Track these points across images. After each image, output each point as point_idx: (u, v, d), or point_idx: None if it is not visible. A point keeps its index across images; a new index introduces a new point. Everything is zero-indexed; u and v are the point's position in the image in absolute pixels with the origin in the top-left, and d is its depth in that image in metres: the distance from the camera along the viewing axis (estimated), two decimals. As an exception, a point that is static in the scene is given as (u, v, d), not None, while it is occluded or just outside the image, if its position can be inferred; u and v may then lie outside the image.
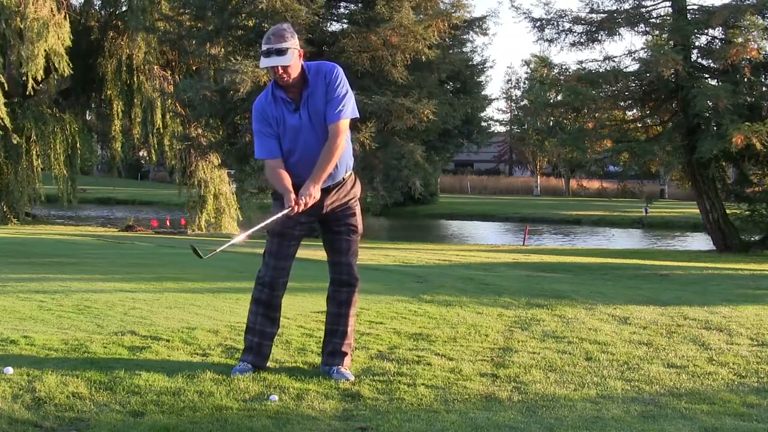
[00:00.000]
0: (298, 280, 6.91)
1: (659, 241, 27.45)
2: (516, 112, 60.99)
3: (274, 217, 3.95)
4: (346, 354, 4.18)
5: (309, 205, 3.95)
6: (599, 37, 18.71)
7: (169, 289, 7.03)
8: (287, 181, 4.00)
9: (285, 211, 3.92)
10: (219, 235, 21.06)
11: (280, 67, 3.89)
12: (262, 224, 3.97)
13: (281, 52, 3.86)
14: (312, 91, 4.00)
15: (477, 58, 29.38)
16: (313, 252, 9.55)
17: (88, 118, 24.91)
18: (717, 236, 18.06)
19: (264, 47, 3.90)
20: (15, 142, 20.30)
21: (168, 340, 4.69)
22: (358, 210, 4.24)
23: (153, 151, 23.63)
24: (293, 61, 3.90)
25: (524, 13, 19.43)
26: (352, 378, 4.02)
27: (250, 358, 4.13)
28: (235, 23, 18.60)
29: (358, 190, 4.26)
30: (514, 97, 64.36)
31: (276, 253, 4.13)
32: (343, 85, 4.02)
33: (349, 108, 4.04)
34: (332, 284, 4.23)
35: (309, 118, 4.01)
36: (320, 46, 18.01)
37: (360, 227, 4.24)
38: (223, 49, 19.33)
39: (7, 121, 18.98)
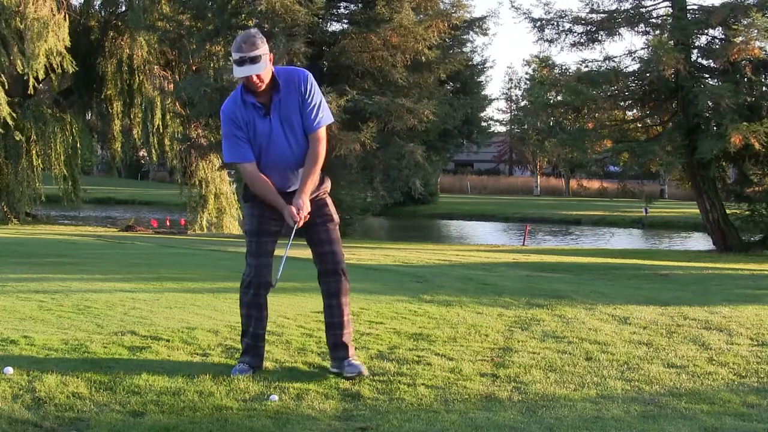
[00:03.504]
0: (298, 280, 6.91)
1: (659, 241, 27.44)
2: (516, 112, 61.02)
3: (291, 238, 4.06)
4: (347, 345, 4.17)
5: (305, 219, 4.06)
6: (599, 37, 18.71)
7: (169, 289, 7.03)
8: (274, 190, 4.06)
9: (294, 230, 4.05)
10: (220, 235, 21.05)
11: (254, 75, 3.91)
12: (288, 246, 4.07)
13: (255, 60, 3.88)
14: (283, 97, 4.02)
15: (477, 58, 29.50)
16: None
17: (88, 118, 24.86)
18: (717, 236, 18.05)
19: (236, 56, 3.89)
20: (17, 139, 20.25)
21: (168, 340, 4.69)
22: (329, 201, 4.28)
23: (153, 151, 23.60)
24: (266, 68, 3.93)
25: (524, 13, 19.43)
26: (365, 370, 4.03)
27: (248, 359, 4.16)
28: (235, 23, 18.58)
29: (326, 183, 4.29)
30: (514, 97, 64.49)
31: (256, 251, 4.16)
32: (317, 92, 4.07)
33: (326, 115, 4.11)
34: (320, 276, 4.24)
35: (280, 124, 4.03)
36: (320, 47, 18.01)
37: (335, 217, 4.27)
38: (223, 49, 19.32)
39: (8, 119, 18.95)
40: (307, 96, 4.02)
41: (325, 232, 4.19)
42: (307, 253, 4.30)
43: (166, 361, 4.24)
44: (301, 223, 4.04)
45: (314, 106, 4.04)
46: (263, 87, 3.97)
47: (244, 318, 4.22)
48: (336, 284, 4.20)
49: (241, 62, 3.88)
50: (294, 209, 3.99)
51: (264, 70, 3.91)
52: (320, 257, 4.21)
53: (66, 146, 21.87)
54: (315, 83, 4.08)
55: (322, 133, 4.10)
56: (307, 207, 4.03)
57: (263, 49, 3.91)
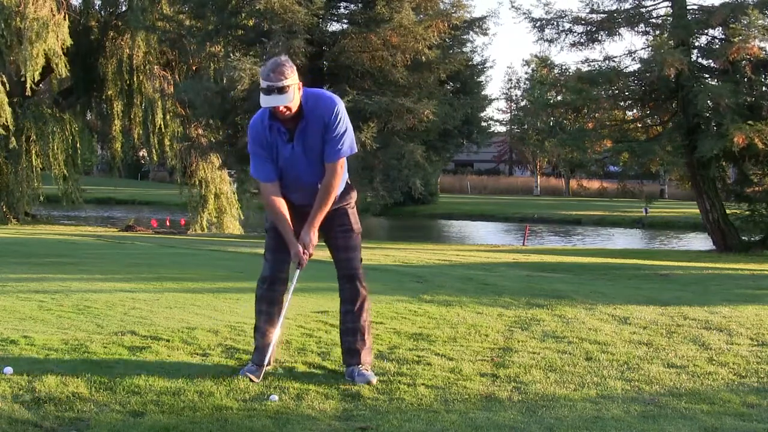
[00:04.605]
0: (299, 280, 6.90)
1: (659, 241, 27.44)
2: (516, 112, 61.01)
3: (296, 278, 4.12)
4: (359, 352, 4.13)
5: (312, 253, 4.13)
6: (599, 37, 18.70)
7: (169, 289, 7.03)
8: (288, 223, 4.04)
9: (298, 271, 4.10)
10: (221, 235, 21.05)
11: (281, 106, 3.87)
12: (292, 286, 4.14)
13: (282, 91, 3.82)
14: (307, 124, 3.97)
15: (477, 58, 29.25)
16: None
17: (88, 118, 24.85)
18: (717, 236, 18.05)
19: (264, 84, 3.84)
20: (11, 146, 20.24)
21: (168, 340, 4.69)
22: (351, 211, 4.26)
23: (153, 151, 23.60)
24: (294, 98, 3.87)
25: (524, 13, 19.41)
26: (374, 380, 3.99)
27: (256, 358, 4.14)
28: (235, 23, 18.59)
29: (352, 195, 4.28)
30: (514, 97, 64.48)
31: (274, 247, 4.17)
32: (342, 122, 3.99)
33: (347, 146, 4.04)
34: (338, 281, 4.25)
35: (302, 150, 4.01)
36: (320, 47, 18.00)
37: (355, 226, 4.25)
38: (223, 49, 19.32)
39: (10, 122, 18.96)
40: (331, 126, 3.96)
41: (342, 239, 4.20)
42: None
43: (166, 361, 4.24)
44: (305, 264, 4.08)
45: (336, 135, 3.97)
46: (291, 115, 3.92)
47: (256, 314, 4.22)
48: (350, 291, 4.21)
49: (268, 91, 3.83)
50: (300, 251, 4.01)
51: (291, 101, 3.85)
52: (337, 263, 4.23)
53: (66, 146, 21.85)
54: (343, 112, 4.00)
55: (341, 163, 4.03)
56: (314, 242, 4.05)
57: (292, 78, 3.84)
